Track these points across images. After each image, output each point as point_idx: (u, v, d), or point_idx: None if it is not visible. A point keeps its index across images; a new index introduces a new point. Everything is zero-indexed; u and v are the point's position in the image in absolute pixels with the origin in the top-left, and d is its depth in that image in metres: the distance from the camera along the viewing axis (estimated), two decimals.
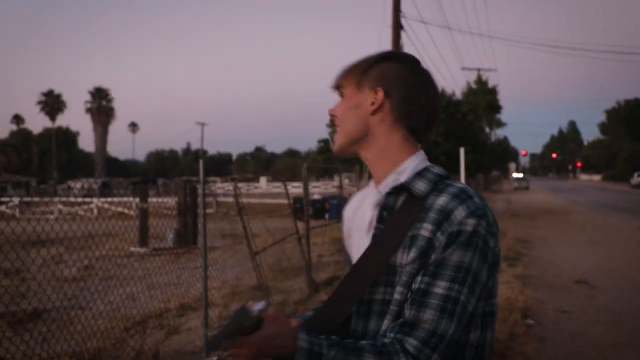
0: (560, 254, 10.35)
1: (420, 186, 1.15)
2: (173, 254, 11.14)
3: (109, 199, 23.34)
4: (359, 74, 1.24)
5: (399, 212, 1.16)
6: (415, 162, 1.20)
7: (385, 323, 1.11)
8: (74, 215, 20.25)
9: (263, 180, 39.93)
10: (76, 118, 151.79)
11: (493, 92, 35.72)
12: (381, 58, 1.25)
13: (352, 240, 1.29)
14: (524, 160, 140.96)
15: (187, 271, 8.84)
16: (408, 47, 17.24)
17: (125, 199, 22.51)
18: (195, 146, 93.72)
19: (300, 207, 11.17)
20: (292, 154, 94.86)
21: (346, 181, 26.91)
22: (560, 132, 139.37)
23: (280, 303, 6.20)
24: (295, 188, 27.70)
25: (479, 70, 36.67)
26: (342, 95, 1.28)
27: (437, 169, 1.20)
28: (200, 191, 4.98)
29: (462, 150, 13.34)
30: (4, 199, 24.21)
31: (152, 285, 7.39)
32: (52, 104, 63.21)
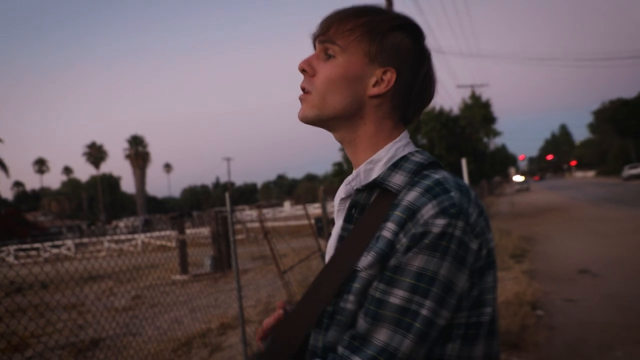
0: (562, 247, 10.17)
1: (397, 179, 0.89)
2: (211, 279, 11.18)
3: (151, 234, 23.55)
4: (371, 39, 0.91)
5: (369, 210, 0.90)
6: (394, 149, 0.94)
7: (335, 335, 0.86)
8: (121, 251, 20.48)
9: (287, 204, 40.01)
10: (117, 164, 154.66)
11: (487, 105, 35.49)
12: (396, 25, 0.93)
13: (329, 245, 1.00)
14: (523, 164, 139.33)
15: (224, 293, 8.86)
16: None
17: (165, 232, 22.71)
18: (223, 179, 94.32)
19: (321, 226, 11.18)
20: (310, 178, 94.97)
21: None
22: (553, 135, 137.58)
23: None
24: (316, 209, 27.70)
25: (472, 86, 36.63)
26: (332, 51, 0.92)
27: (419, 157, 0.93)
28: (229, 220, 5.04)
29: (463, 161, 13.28)
30: (60, 242, 24.58)
31: (194, 308, 7.43)
32: (95, 154, 64.49)
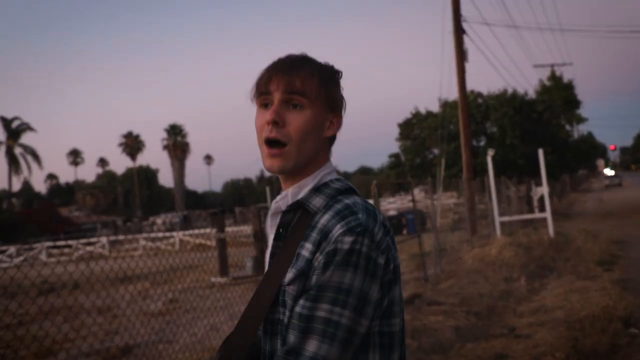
0: None
1: (316, 202, 1.14)
2: (253, 282, 11.31)
3: (190, 232, 24.15)
4: (327, 89, 1.17)
5: (292, 229, 1.15)
6: (320, 176, 1.19)
7: (279, 345, 1.10)
8: (158, 250, 21.14)
9: None
10: (155, 155, 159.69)
11: (569, 87, 34.22)
12: (333, 74, 1.21)
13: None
14: (614, 155, 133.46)
15: None
16: (472, 52, 16.84)
17: (204, 230, 23.23)
18: (268, 173, 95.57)
19: None
20: (364, 171, 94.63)
21: (422, 194, 26.48)
22: None
23: None
24: None
25: (552, 66, 35.30)
26: (298, 101, 1.14)
27: (338, 184, 1.18)
28: None
29: (540, 152, 12.83)
30: (94, 240, 25.63)
31: (234, 314, 7.52)
32: (132, 144, 66.75)
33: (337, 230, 1.05)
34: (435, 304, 6.87)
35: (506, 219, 13.08)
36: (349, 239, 1.03)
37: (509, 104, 20.95)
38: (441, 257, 9.90)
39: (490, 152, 12.86)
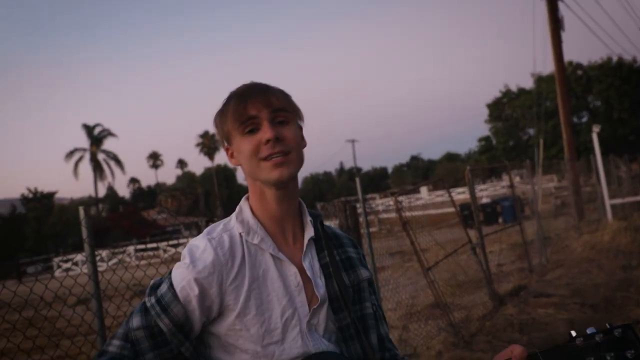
0: None
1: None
2: None
3: None
4: (296, 106, 1.32)
5: (325, 239, 1.36)
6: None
7: (374, 337, 1.34)
8: None
9: (424, 190, 39.52)
10: None
11: None
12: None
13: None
14: None
15: None
16: (569, 18, 16.01)
17: None
18: (348, 165, 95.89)
19: (468, 214, 10.84)
20: (451, 157, 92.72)
21: (517, 179, 25.57)
22: None
23: (463, 320, 6.02)
24: (460, 194, 26.91)
25: None
26: (284, 117, 1.27)
27: None
28: (360, 210, 5.05)
29: None
30: (182, 241, 26.76)
31: None
32: (209, 144, 68.98)
33: (348, 236, 1.46)
34: (543, 296, 6.64)
35: (618, 201, 12.42)
36: None
37: (614, 73, 19.85)
38: (546, 245, 9.53)
39: (596, 129, 12.21)
